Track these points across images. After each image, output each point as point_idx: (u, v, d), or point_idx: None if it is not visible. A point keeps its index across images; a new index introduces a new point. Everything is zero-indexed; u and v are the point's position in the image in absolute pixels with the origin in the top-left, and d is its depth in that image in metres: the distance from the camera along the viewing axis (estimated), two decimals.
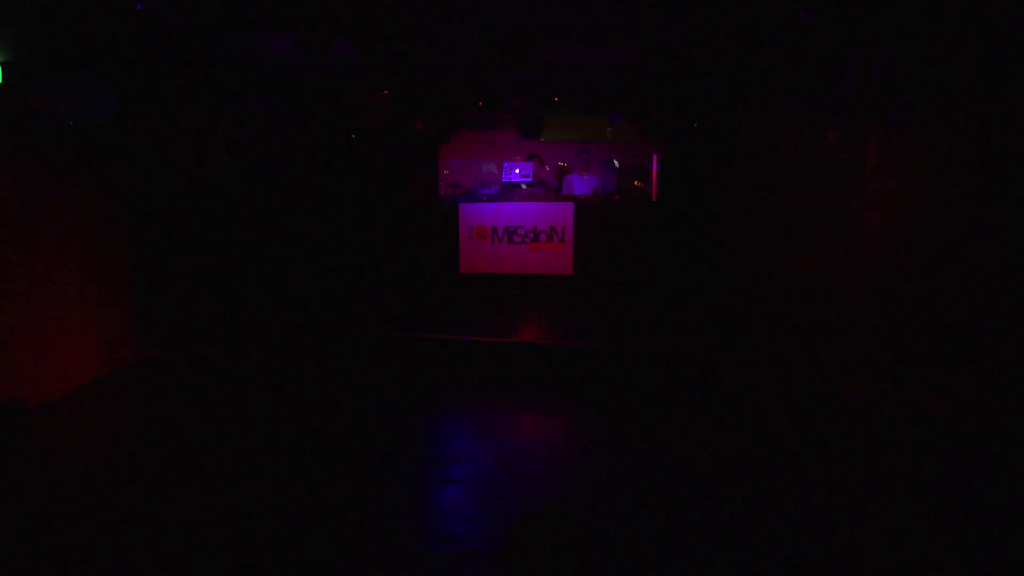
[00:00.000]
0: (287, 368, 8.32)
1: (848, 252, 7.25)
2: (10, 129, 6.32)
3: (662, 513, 4.60)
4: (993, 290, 6.59)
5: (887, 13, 5.53)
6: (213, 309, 8.63)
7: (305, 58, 6.13)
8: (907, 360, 7.02)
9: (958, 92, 6.66)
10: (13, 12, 5.56)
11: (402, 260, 8.92)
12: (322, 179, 8.99)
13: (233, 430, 6.28)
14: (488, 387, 7.72)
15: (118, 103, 6.42)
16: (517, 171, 8.65)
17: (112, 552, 4.05)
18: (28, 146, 6.62)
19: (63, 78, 6.20)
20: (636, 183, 8.77)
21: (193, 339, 8.59)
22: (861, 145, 7.13)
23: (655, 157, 8.81)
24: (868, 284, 7.20)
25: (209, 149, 8.39)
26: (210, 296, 8.63)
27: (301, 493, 4.88)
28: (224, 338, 8.63)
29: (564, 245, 8.39)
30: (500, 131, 9.25)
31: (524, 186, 8.68)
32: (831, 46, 6.16)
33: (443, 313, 8.70)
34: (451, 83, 8.01)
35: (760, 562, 3.96)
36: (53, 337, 6.96)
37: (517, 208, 8.51)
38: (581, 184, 8.86)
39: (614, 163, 9.15)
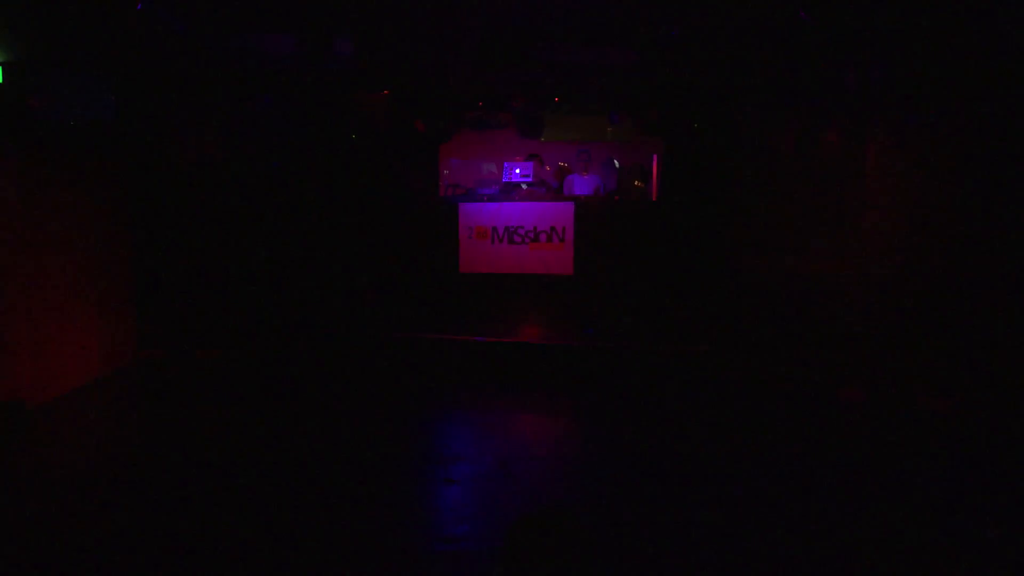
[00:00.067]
0: (287, 368, 8.32)
1: (848, 252, 7.25)
2: (10, 129, 6.32)
3: (662, 513, 4.60)
4: (993, 290, 6.59)
5: (887, 13, 5.52)
6: (213, 309, 8.63)
7: (305, 58, 6.13)
8: (907, 360, 7.02)
9: (958, 92, 6.66)
10: (13, 12, 5.57)
11: (402, 260, 8.93)
12: (322, 179, 8.99)
13: (233, 430, 6.28)
14: (488, 387, 7.72)
15: (118, 103, 6.43)
16: (517, 171, 8.65)
17: (111, 552, 4.05)
18: (28, 146, 6.62)
19: (63, 78, 6.19)
20: (636, 183, 8.78)
21: (193, 339, 8.58)
22: (861, 145, 7.13)
23: (655, 157, 8.81)
24: (868, 284, 7.20)
25: (209, 149, 8.39)
26: (210, 296, 8.63)
27: (301, 493, 4.88)
28: (224, 338, 8.62)
29: (564, 245, 8.39)
30: (500, 131, 9.24)
31: (524, 186, 8.69)
32: (831, 46, 6.16)
33: (443, 313, 8.71)
34: (451, 83, 8.01)
35: (760, 562, 3.96)
36: (53, 337, 6.96)
37: (517, 208, 8.51)
38: (582, 184, 8.86)
39: (614, 163, 9.15)
